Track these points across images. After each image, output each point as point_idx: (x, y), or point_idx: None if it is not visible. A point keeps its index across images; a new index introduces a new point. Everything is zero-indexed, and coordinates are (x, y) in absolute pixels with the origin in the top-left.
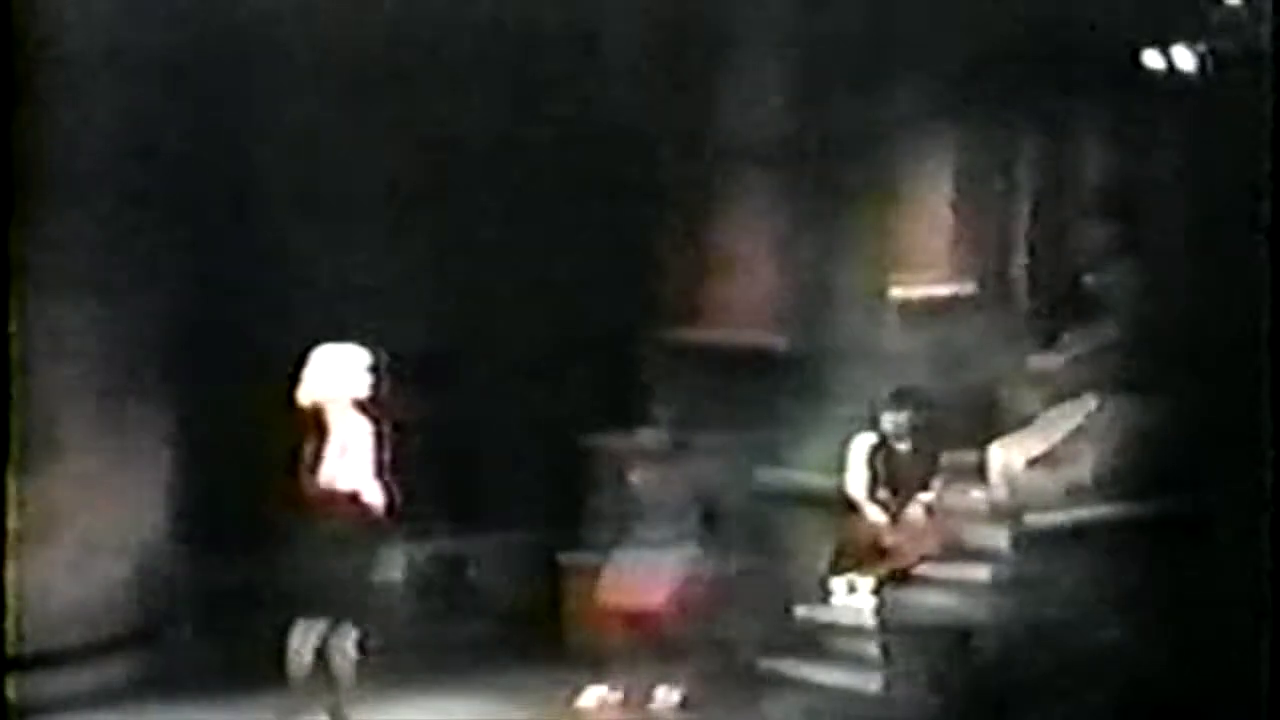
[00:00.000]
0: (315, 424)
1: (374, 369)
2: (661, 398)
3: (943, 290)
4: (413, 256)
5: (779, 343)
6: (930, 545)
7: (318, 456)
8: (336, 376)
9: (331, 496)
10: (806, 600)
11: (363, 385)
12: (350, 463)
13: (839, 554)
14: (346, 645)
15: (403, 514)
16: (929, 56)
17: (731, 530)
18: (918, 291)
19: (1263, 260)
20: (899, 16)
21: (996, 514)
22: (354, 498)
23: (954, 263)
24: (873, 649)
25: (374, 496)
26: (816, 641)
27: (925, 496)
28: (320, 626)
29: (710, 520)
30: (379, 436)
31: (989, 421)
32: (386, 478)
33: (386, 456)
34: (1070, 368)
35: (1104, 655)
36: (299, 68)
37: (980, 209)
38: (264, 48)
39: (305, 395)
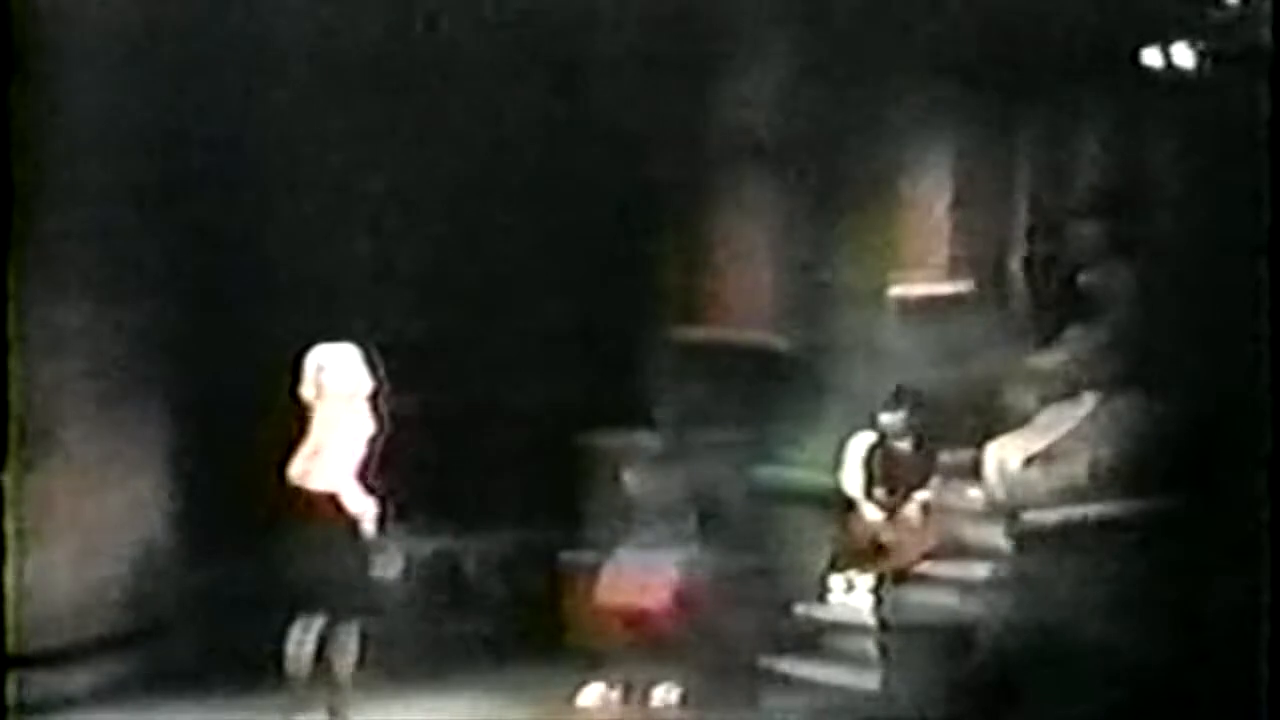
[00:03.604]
0: (300, 423)
1: (371, 370)
2: (661, 397)
3: (941, 289)
4: (412, 255)
5: (778, 341)
6: (928, 543)
7: (290, 455)
8: (329, 376)
9: (305, 496)
10: (805, 598)
11: (354, 385)
12: (326, 463)
13: (837, 552)
14: (346, 643)
15: (390, 519)
16: (928, 55)
17: (730, 529)
18: (916, 290)
19: (1261, 259)
20: (898, 15)
21: (994, 512)
22: (332, 500)
23: (952, 261)
24: (871, 647)
25: (354, 501)
26: (815, 639)
27: (923, 495)
28: (319, 624)
29: (709, 519)
30: (371, 441)
31: (987, 420)
32: (371, 482)
33: (374, 462)
34: (1068, 366)
35: (1101, 653)
36: (299, 66)
37: (979, 207)
38: (263, 47)
39: (301, 394)
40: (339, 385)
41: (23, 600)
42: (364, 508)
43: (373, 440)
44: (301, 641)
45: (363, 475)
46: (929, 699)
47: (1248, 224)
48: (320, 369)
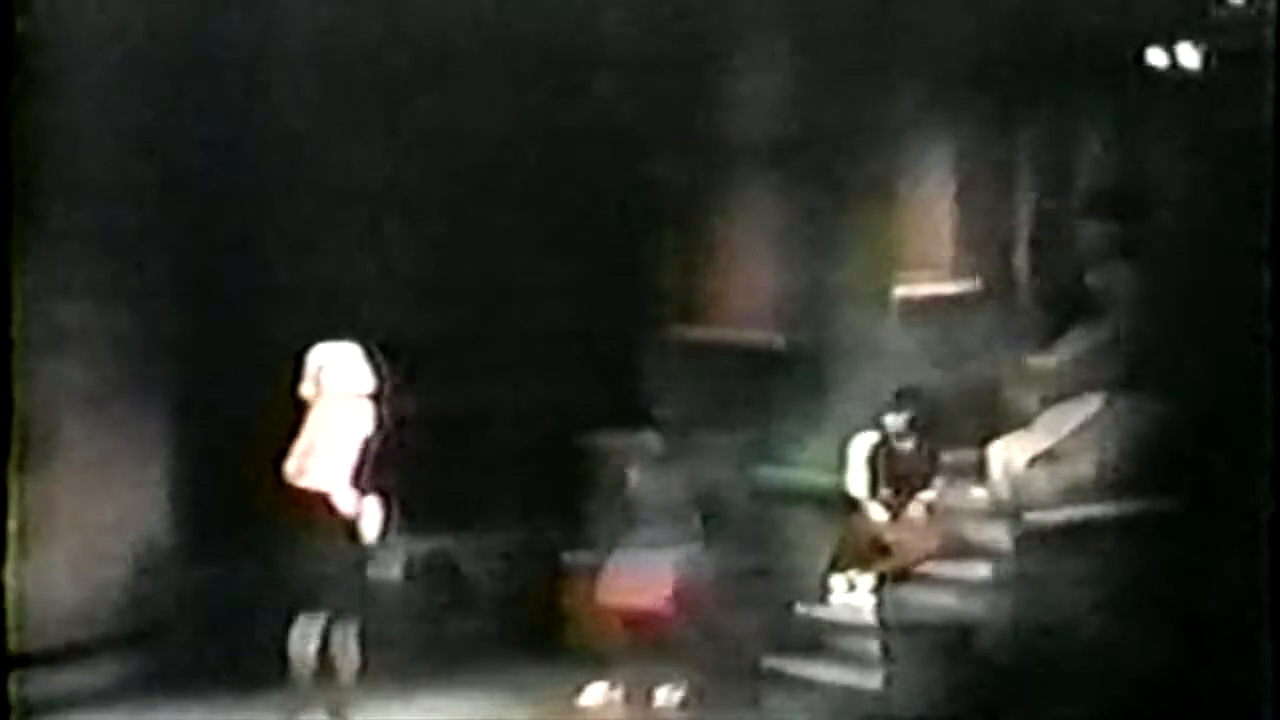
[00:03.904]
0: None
1: (374, 369)
2: (662, 397)
3: (944, 289)
4: (413, 255)
5: (780, 341)
6: (931, 543)
7: (285, 452)
8: (329, 375)
9: (304, 495)
10: (807, 599)
11: (355, 384)
12: (319, 463)
13: (840, 552)
14: (347, 643)
15: (392, 519)
16: (931, 55)
17: (732, 529)
18: (919, 290)
19: (1264, 259)
20: (900, 14)
21: (997, 512)
22: (325, 500)
23: (956, 261)
24: (873, 647)
25: (344, 502)
26: (817, 640)
27: (926, 495)
28: (319, 624)
29: (710, 519)
30: (365, 441)
31: (990, 420)
32: (370, 482)
33: (371, 461)
34: (1072, 366)
35: (1104, 653)
36: (299, 67)
37: (982, 207)
38: (263, 47)
39: (301, 392)
40: (339, 384)
41: (23, 600)
42: (354, 508)
43: (367, 440)
44: (303, 641)
45: (357, 476)
46: (931, 699)
47: (1251, 225)
48: (321, 367)
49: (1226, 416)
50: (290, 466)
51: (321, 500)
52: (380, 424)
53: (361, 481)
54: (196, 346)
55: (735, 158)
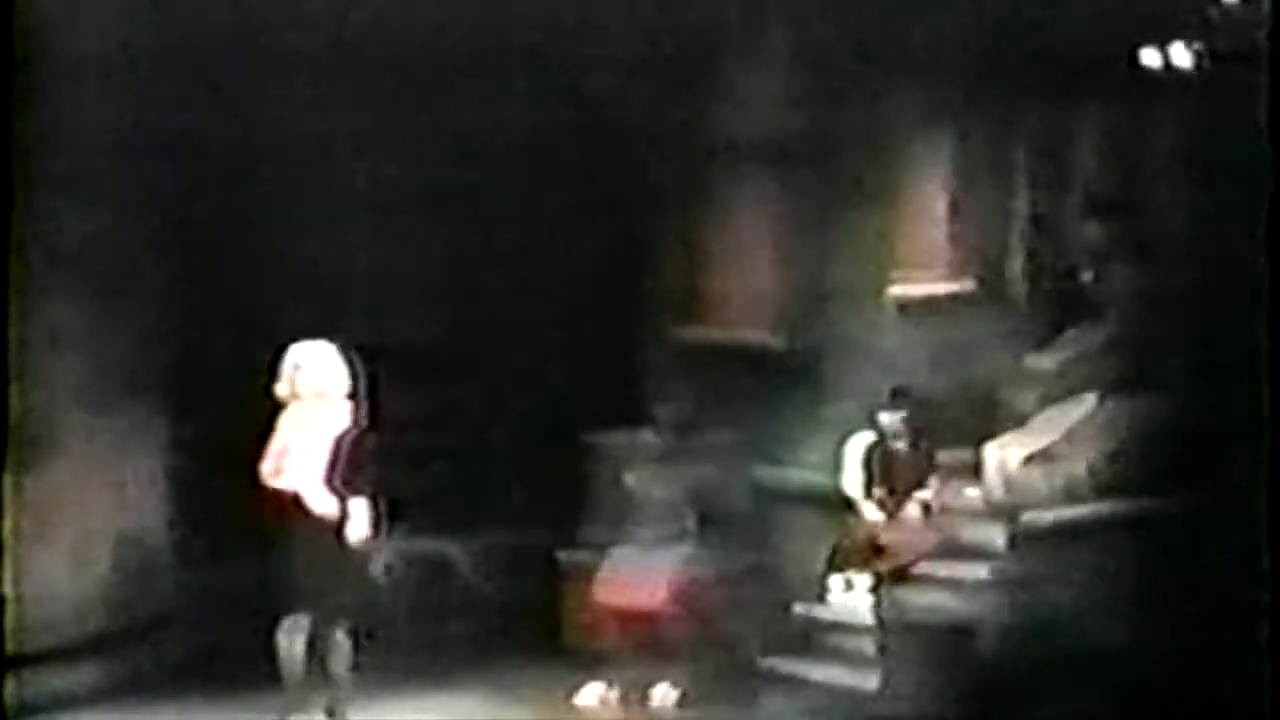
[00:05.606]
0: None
1: (350, 369)
2: (660, 397)
3: (941, 289)
4: (412, 255)
5: (778, 341)
6: (927, 543)
7: (259, 454)
8: (305, 375)
9: (288, 495)
10: (804, 598)
11: (330, 384)
12: (293, 463)
13: (837, 552)
14: (337, 642)
15: (388, 519)
16: (929, 55)
17: (729, 529)
18: (916, 290)
19: (1261, 258)
20: (898, 15)
21: (993, 512)
22: (297, 501)
23: (952, 261)
24: (870, 647)
25: (317, 502)
26: (814, 639)
27: (922, 495)
28: (305, 624)
29: (708, 518)
30: (338, 440)
31: (986, 420)
32: (354, 481)
33: (343, 461)
34: (1068, 366)
35: (1100, 653)
36: (298, 67)
37: (979, 208)
38: (264, 47)
39: (276, 391)
40: (314, 383)
41: (22, 599)
42: (332, 509)
43: (339, 440)
44: (289, 642)
45: (330, 476)
46: (928, 699)
47: (1246, 223)
48: (296, 367)
49: (1224, 416)
50: (266, 467)
51: (271, 501)
52: (355, 424)
53: (346, 481)
54: (194, 347)
55: (735, 158)
